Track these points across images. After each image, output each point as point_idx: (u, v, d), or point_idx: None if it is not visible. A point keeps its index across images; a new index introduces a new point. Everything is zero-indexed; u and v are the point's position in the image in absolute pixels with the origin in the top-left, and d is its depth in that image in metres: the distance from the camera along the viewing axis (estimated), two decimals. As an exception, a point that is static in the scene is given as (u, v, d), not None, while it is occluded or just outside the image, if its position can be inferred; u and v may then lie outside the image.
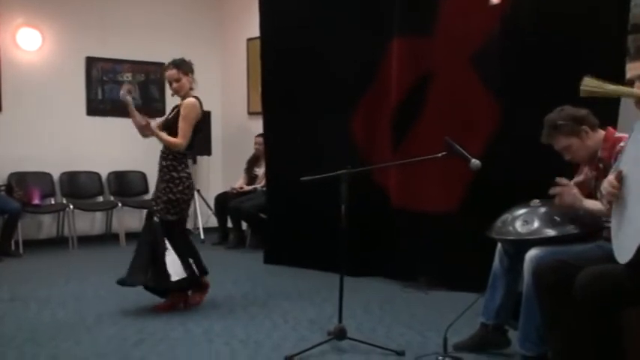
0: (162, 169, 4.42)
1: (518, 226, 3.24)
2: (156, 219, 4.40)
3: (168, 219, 4.38)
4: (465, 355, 3.43)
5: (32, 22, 7.49)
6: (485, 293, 3.50)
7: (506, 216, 3.33)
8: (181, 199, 4.40)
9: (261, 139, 7.55)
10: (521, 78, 4.65)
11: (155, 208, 4.42)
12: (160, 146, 4.50)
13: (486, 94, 4.83)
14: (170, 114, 4.60)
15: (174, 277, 4.34)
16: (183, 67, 4.51)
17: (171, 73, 4.50)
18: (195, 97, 4.51)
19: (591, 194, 3.11)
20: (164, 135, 4.39)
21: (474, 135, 4.76)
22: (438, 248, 5.08)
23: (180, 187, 4.37)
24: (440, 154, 3.60)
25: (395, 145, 5.29)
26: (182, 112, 4.40)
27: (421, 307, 4.59)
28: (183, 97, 4.52)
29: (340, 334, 3.58)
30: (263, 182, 7.09)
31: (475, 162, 3.47)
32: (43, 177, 7.51)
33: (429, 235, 5.14)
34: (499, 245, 3.43)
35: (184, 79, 4.49)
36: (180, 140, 4.36)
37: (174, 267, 4.35)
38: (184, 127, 4.37)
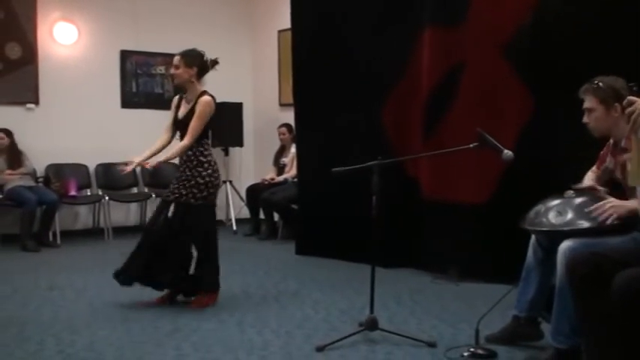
0: (188, 158, 4.35)
1: (552, 217, 3.20)
2: (171, 211, 4.33)
3: (192, 203, 4.31)
4: (497, 348, 3.41)
5: (68, 17, 7.61)
6: (519, 285, 3.47)
7: (540, 207, 3.29)
8: (210, 183, 4.35)
9: (284, 129, 7.63)
10: (554, 68, 4.59)
11: (175, 196, 4.33)
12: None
13: (519, 84, 4.79)
14: (178, 110, 4.51)
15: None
16: (186, 57, 4.42)
17: (175, 59, 4.45)
18: (210, 96, 4.46)
19: (609, 182, 3.09)
20: (173, 154, 4.38)
21: (507, 125, 4.72)
22: (469, 239, 5.06)
23: (209, 171, 4.34)
24: (472, 145, 3.57)
25: (426, 136, 5.27)
26: (197, 109, 4.35)
27: (453, 298, 4.58)
28: (185, 90, 4.46)
29: (372, 325, 3.59)
30: (293, 171, 7.09)
31: (507, 153, 3.44)
32: (79, 169, 7.65)
33: (460, 226, 5.12)
34: (533, 237, 3.39)
35: (182, 70, 4.39)
36: (187, 142, 4.32)
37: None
38: (195, 126, 4.31)
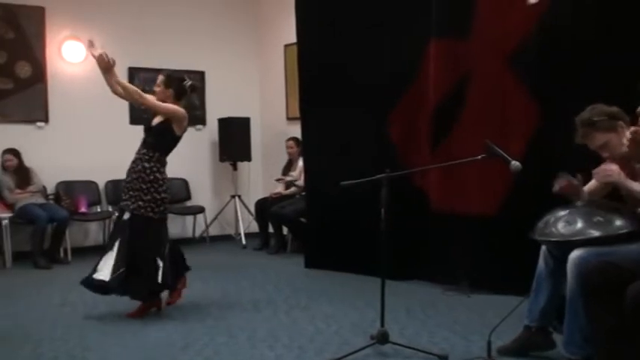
0: (144, 170, 4.50)
1: (561, 227, 3.22)
2: (126, 216, 4.51)
3: (150, 216, 4.49)
4: (509, 359, 3.41)
5: (77, 35, 7.67)
6: (530, 295, 3.47)
7: (549, 217, 3.30)
8: (165, 199, 4.56)
9: (291, 143, 7.65)
10: (560, 78, 4.60)
11: (132, 205, 4.49)
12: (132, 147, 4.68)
13: (525, 95, 4.80)
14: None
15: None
16: (167, 78, 4.68)
17: (159, 77, 4.73)
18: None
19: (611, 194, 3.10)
20: (124, 83, 4.66)
21: (514, 136, 4.73)
22: (479, 251, 5.06)
23: (164, 187, 4.54)
24: (480, 157, 3.58)
25: (434, 148, 5.28)
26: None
27: (464, 310, 4.58)
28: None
29: (383, 339, 3.59)
30: (301, 179, 7.09)
31: (515, 164, 3.45)
32: (89, 186, 7.69)
33: (470, 237, 5.12)
34: (543, 246, 3.40)
35: (161, 89, 4.65)
36: (143, 99, 4.57)
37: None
38: (158, 105, 4.57)
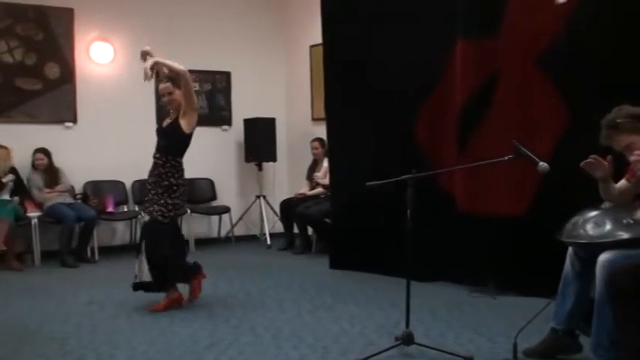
0: (160, 175, 4.57)
1: (589, 229, 3.18)
2: (146, 218, 4.72)
3: (160, 220, 4.57)
4: (535, 362, 3.38)
5: (105, 37, 7.76)
6: (557, 297, 3.44)
7: (577, 219, 3.26)
8: (178, 205, 4.61)
9: (316, 143, 7.65)
10: (588, 78, 4.55)
11: (149, 208, 4.65)
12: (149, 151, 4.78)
13: (554, 95, 4.74)
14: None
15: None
16: (177, 81, 4.58)
17: (165, 86, 4.62)
18: None
19: None
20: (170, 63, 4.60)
21: (542, 137, 4.69)
22: (506, 252, 5.01)
23: (177, 193, 4.58)
24: (507, 158, 3.55)
25: (460, 149, 5.25)
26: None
27: (489, 312, 4.54)
28: (178, 112, 4.62)
29: (408, 339, 3.57)
30: (326, 179, 7.08)
31: (543, 165, 3.41)
32: (117, 185, 7.77)
33: (496, 239, 5.08)
34: (570, 248, 3.36)
35: (177, 93, 4.58)
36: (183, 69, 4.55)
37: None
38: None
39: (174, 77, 4.61)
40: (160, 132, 4.69)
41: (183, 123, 4.58)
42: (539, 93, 4.82)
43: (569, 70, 4.67)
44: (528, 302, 4.38)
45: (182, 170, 4.66)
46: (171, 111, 4.73)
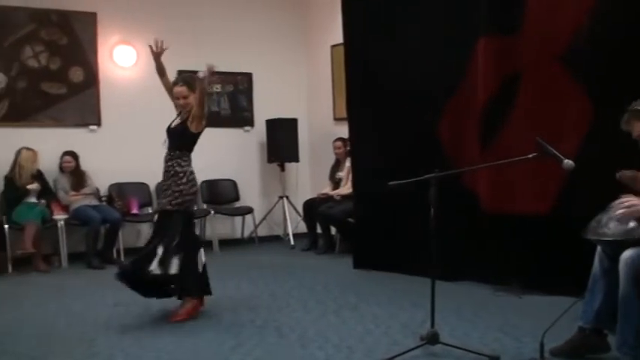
0: (167, 169, 4.63)
1: (613, 226, 3.15)
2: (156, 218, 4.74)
3: (168, 209, 4.59)
4: (563, 361, 3.36)
5: (127, 40, 7.83)
6: (584, 296, 3.40)
7: (601, 216, 3.24)
8: (184, 191, 4.57)
9: (339, 143, 7.65)
10: (613, 74, 4.50)
11: (163, 200, 4.68)
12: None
13: (579, 92, 4.70)
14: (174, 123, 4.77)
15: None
16: (189, 84, 4.63)
17: (180, 90, 4.65)
18: None
19: None
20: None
21: (567, 134, 4.64)
22: (531, 251, 4.98)
23: (184, 180, 4.57)
24: (531, 155, 3.53)
25: (483, 147, 5.22)
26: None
27: (515, 311, 4.51)
28: (188, 114, 4.64)
29: (433, 339, 3.57)
30: (349, 184, 7.08)
31: (568, 162, 3.39)
32: (141, 187, 7.83)
33: (521, 237, 5.04)
34: (599, 246, 3.33)
35: (192, 97, 4.60)
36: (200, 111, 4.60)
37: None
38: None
39: (190, 81, 4.65)
40: (170, 132, 4.74)
41: (192, 126, 4.61)
42: (562, 90, 4.78)
43: (593, 67, 4.62)
44: (554, 301, 4.34)
45: (189, 160, 4.67)
46: (181, 112, 4.75)
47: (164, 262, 4.47)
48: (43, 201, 6.96)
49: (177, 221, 4.58)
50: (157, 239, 4.60)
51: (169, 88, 4.79)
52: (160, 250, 4.50)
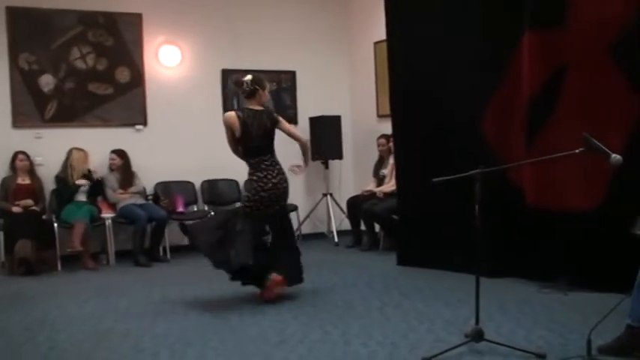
0: (280, 171, 5.17)
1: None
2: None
3: (244, 209, 5.04)
4: (610, 359, 3.28)
5: (172, 40, 7.94)
6: (632, 293, 3.33)
7: (651, 212, 3.17)
8: (250, 197, 5.01)
9: (383, 140, 7.62)
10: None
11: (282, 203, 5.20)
12: None
13: (627, 86, 4.60)
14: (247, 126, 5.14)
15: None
16: (254, 83, 5.11)
17: (249, 82, 5.14)
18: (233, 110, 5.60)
19: None
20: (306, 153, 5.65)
21: (615, 129, 4.55)
22: (578, 247, 4.89)
23: (254, 185, 5.00)
24: (577, 151, 3.47)
25: (529, 142, 5.15)
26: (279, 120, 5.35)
27: (561, 308, 4.44)
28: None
29: (478, 336, 3.54)
30: (393, 181, 7.06)
31: (616, 157, 3.32)
32: (186, 186, 7.94)
33: (567, 234, 4.96)
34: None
35: (260, 93, 5.16)
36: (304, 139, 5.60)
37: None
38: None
39: (256, 79, 5.16)
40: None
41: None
42: (610, 84, 4.68)
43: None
44: (602, 298, 4.27)
45: (255, 169, 5.05)
46: None
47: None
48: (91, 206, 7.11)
49: (249, 220, 5.01)
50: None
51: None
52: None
